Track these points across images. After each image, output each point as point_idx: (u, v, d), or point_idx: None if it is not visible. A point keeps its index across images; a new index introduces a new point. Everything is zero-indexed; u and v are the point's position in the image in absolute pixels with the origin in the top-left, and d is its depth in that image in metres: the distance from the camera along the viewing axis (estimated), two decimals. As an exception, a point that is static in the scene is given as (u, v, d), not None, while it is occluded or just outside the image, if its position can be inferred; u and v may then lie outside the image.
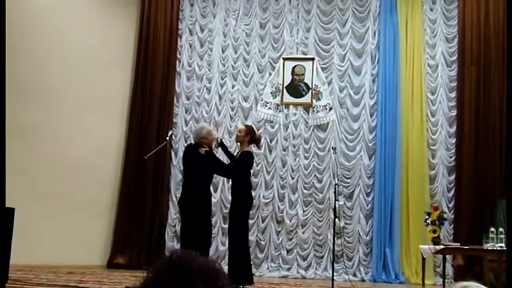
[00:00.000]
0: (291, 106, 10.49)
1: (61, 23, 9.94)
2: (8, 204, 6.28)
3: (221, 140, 8.20)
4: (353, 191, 10.06)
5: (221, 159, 7.97)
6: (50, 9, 9.87)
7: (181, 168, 10.50)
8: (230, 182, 8.13)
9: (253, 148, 7.85)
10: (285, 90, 10.48)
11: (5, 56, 6.85)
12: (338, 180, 8.20)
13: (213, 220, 9.19)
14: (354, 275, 9.61)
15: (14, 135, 8.80)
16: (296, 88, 10.48)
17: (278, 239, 10.12)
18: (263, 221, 10.14)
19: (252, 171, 8.25)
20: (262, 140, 10.32)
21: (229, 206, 7.76)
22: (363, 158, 10.10)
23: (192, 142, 7.80)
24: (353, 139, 10.21)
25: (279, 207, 10.20)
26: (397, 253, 9.66)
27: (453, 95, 10.04)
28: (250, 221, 10.09)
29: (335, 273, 7.60)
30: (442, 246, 8.03)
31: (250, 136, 7.62)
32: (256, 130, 8.13)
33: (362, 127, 10.19)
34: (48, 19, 9.79)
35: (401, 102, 10.03)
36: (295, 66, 10.52)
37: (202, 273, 1.27)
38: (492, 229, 7.68)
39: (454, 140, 9.93)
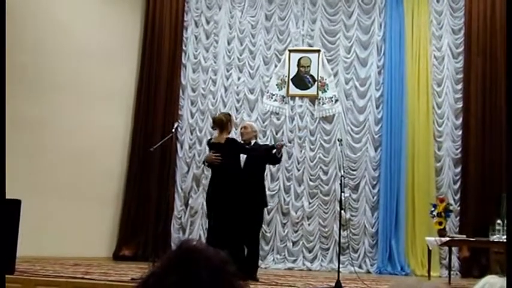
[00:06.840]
0: (297, 98, 10.47)
1: (66, 15, 9.93)
2: (14, 196, 6.30)
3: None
4: (359, 183, 10.05)
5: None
6: (54, 1, 9.87)
7: (187, 160, 10.65)
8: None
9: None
10: (290, 82, 10.46)
11: (5, 51, 6.84)
12: (344, 172, 8.17)
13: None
14: (360, 267, 9.62)
15: (19, 127, 8.82)
16: (302, 80, 10.45)
17: (284, 231, 10.13)
18: (269, 213, 10.13)
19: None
20: (268, 132, 10.36)
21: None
22: (368, 149, 10.09)
23: None
24: (359, 131, 10.19)
25: (284, 199, 10.20)
26: (403, 245, 9.66)
27: (459, 86, 10.01)
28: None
29: (341, 265, 7.59)
30: (448, 238, 8.01)
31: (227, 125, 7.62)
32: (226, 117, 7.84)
33: (368, 119, 10.17)
34: (53, 12, 9.78)
35: (408, 94, 10.01)
36: (301, 58, 10.49)
37: (209, 265, 1.27)
38: (498, 221, 7.65)
39: (460, 132, 9.90)
